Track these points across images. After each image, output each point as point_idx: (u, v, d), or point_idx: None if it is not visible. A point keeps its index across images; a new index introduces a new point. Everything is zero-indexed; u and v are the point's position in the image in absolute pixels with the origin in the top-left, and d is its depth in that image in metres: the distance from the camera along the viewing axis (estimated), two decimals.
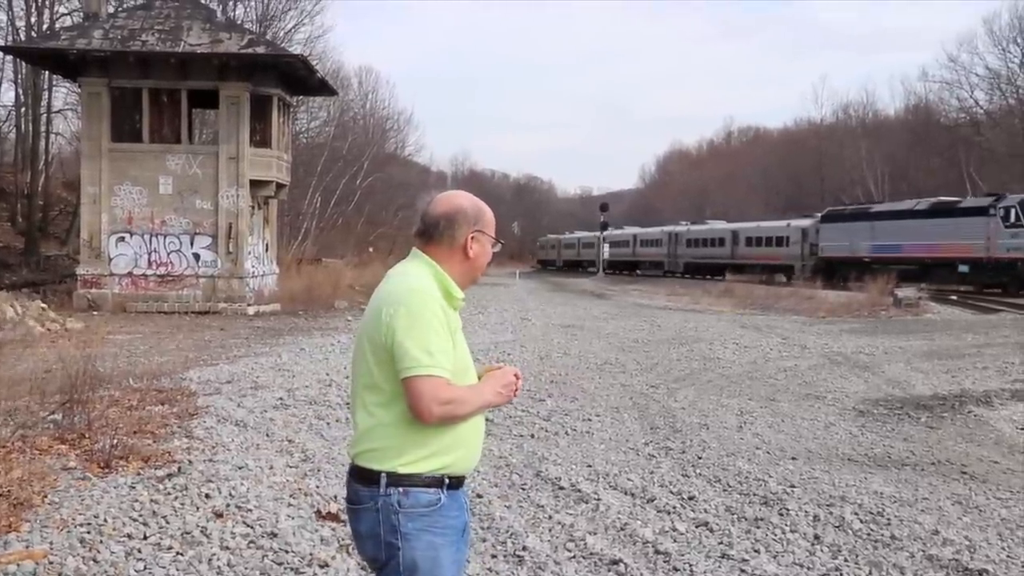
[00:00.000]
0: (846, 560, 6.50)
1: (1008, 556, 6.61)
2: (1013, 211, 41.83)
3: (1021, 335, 23.27)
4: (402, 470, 3.24)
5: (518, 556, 6.44)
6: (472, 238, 3.38)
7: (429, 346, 3.16)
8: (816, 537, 7.00)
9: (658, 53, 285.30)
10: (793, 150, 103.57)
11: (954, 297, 39.62)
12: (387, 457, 3.25)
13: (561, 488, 8.29)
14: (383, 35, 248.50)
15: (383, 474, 3.25)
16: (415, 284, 3.27)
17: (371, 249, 61.98)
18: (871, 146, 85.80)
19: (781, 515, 7.56)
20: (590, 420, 11.80)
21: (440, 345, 3.18)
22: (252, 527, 6.83)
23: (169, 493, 7.56)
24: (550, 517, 7.37)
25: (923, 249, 45.98)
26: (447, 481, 3.27)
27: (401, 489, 3.25)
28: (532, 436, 10.68)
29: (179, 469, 8.32)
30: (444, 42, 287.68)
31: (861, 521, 7.39)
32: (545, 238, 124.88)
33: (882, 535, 7.05)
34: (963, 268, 43.74)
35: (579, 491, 8.17)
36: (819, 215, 58.33)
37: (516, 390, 3.37)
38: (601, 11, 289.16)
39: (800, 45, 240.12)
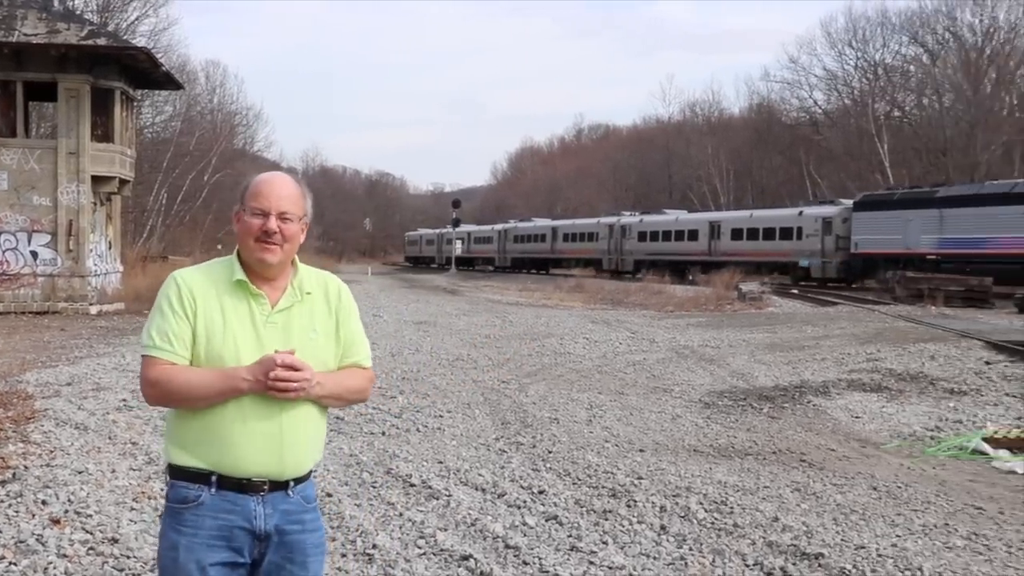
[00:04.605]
0: (691, 549, 6.64)
1: (843, 540, 6.84)
2: None
3: (856, 327, 24.14)
4: (173, 462, 3.20)
5: (368, 555, 6.40)
6: (236, 216, 3.29)
7: (151, 327, 3.17)
8: (662, 527, 7.13)
9: (509, 52, 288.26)
10: (642, 147, 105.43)
11: (795, 291, 40.71)
12: (165, 447, 3.24)
13: (412, 485, 8.26)
14: (231, 30, 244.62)
15: (167, 466, 3.24)
16: (175, 271, 3.29)
17: (220, 246, 60.82)
18: (717, 144, 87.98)
19: (629, 507, 7.67)
20: (441, 416, 11.79)
21: (161, 326, 3.14)
22: (92, 533, 6.62)
23: (2, 501, 7.27)
24: (400, 515, 7.34)
25: None
26: (215, 479, 3.13)
27: (170, 482, 3.21)
28: (383, 433, 10.62)
29: (14, 475, 8.02)
30: (294, 39, 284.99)
31: (705, 510, 7.56)
32: (416, 232, 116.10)
33: (725, 523, 7.22)
34: None
35: (430, 488, 8.15)
36: (849, 201, 49.00)
37: (278, 384, 3.05)
38: (452, 11, 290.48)
39: (647, 45, 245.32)
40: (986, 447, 10.48)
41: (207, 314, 3.15)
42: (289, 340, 3.18)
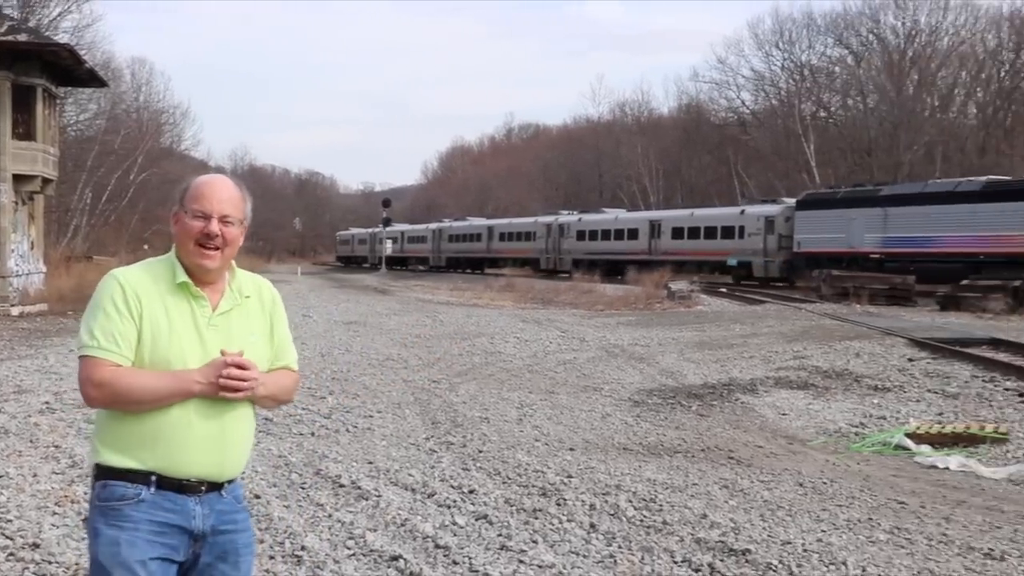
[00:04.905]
0: (620, 547, 6.67)
1: (769, 536, 6.92)
2: None
3: (784, 325, 24.45)
4: (104, 463, 3.14)
5: (296, 556, 6.35)
6: (174, 218, 3.24)
7: (93, 327, 3.08)
8: (592, 525, 7.16)
9: (440, 52, 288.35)
10: (572, 147, 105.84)
11: (723, 289, 41.05)
12: (95, 449, 3.19)
13: (341, 486, 8.21)
14: (157, 27, 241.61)
15: (94, 467, 3.19)
16: (114, 271, 3.22)
17: (146, 247, 60.10)
18: (646, 143, 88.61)
19: (559, 505, 7.69)
20: (371, 416, 11.74)
21: (106, 326, 3.07)
22: (12, 539, 6.50)
23: None
24: (330, 515, 7.29)
25: (974, 242, 36.17)
26: (155, 479, 3.10)
27: (102, 482, 3.15)
28: (312, 434, 10.55)
29: None
30: (221, 37, 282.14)
31: (635, 508, 7.60)
32: (348, 232, 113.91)
33: (654, 521, 7.27)
34: None
35: (359, 488, 8.11)
36: (792, 200, 48.70)
37: (231, 383, 3.09)
38: (381, 11, 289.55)
39: (577, 45, 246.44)
40: (909, 443, 10.68)
41: (152, 316, 3.12)
42: (230, 343, 3.18)
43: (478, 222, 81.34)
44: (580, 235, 63.56)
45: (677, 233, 54.18)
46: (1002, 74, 67.75)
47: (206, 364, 3.11)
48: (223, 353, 3.12)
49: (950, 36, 69.32)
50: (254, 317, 3.32)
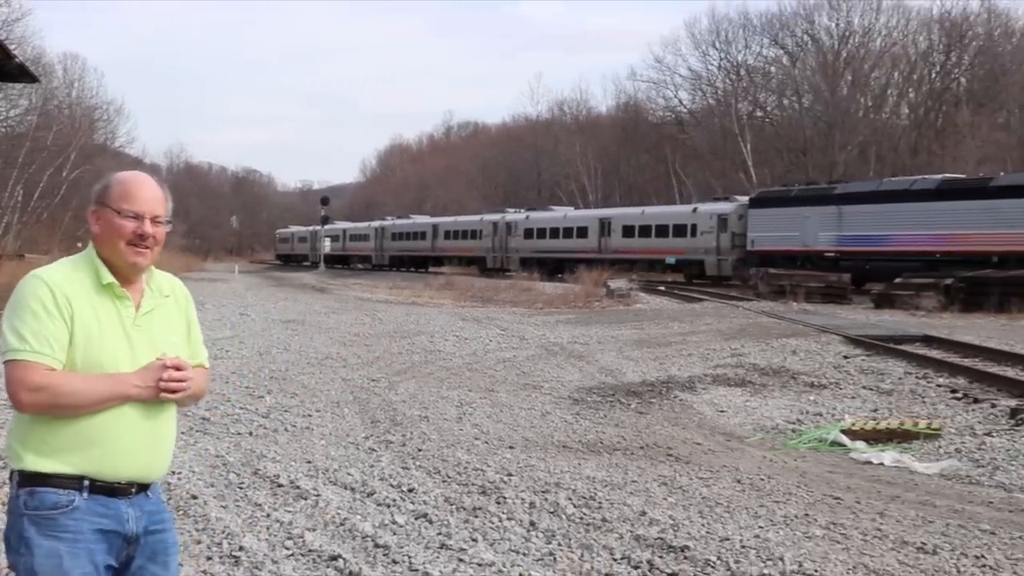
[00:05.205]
0: (560, 544, 6.68)
1: (707, 532, 6.97)
2: None
3: (722, 323, 24.65)
4: (29, 468, 3.05)
5: (234, 556, 6.28)
6: (95, 216, 3.18)
7: (22, 329, 2.98)
8: (532, 523, 7.16)
9: (378, 50, 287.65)
10: (511, 145, 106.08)
11: (662, 287, 41.25)
12: (16, 455, 3.09)
13: (280, 485, 8.14)
14: (88, 23, 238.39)
15: (15, 473, 3.10)
16: (36, 271, 3.13)
17: (79, 244, 59.24)
18: (585, 142, 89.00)
19: (498, 503, 7.69)
20: (310, 416, 11.65)
21: (36, 328, 2.99)
22: None
23: None
24: (268, 515, 7.23)
25: (930, 241, 36.20)
26: (87, 483, 3.04)
27: (28, 489, 3.05)
28: (250, 434, 10.45)
29: None
30: (156, 34, 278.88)
31: (574, 506, 7.61)
32: (288, 230, 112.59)
33: (594, 518, 7.28)
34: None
35: (298, 488, 8.04)
36: (745, 198, 47.60)
37: (172, 384, 3.10)
38: (319, 9, 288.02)
39: (516, 44, 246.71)
40: (844, 439, 10.80)
41: (83, 318, 3.06)
42: (154, 343, 3.16)
43: (422, 220, 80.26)
44: (528, 233, 62.43)
45: (628, 231, 53.42)
46: (933, 75, 68.97)
47: (143, 368, 3.09)
48: (159, 358, 3.12)
49: (883, 37, 70.51)
50: (173, 317, 3.32)
